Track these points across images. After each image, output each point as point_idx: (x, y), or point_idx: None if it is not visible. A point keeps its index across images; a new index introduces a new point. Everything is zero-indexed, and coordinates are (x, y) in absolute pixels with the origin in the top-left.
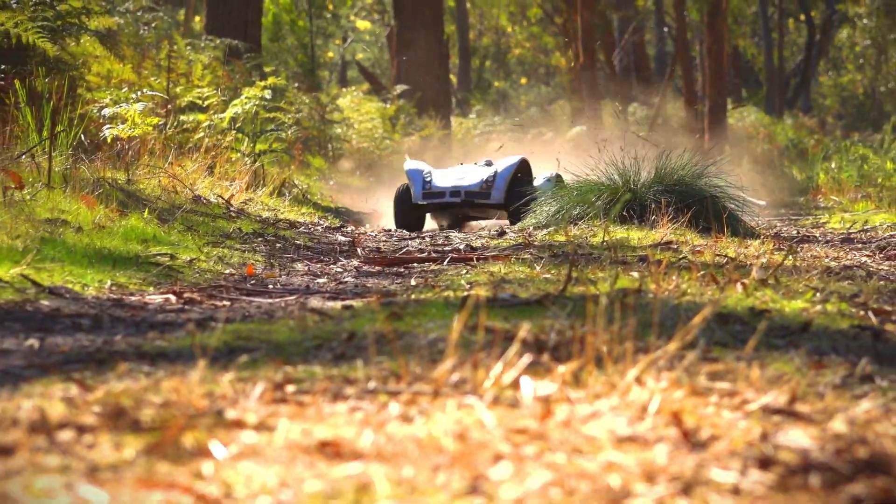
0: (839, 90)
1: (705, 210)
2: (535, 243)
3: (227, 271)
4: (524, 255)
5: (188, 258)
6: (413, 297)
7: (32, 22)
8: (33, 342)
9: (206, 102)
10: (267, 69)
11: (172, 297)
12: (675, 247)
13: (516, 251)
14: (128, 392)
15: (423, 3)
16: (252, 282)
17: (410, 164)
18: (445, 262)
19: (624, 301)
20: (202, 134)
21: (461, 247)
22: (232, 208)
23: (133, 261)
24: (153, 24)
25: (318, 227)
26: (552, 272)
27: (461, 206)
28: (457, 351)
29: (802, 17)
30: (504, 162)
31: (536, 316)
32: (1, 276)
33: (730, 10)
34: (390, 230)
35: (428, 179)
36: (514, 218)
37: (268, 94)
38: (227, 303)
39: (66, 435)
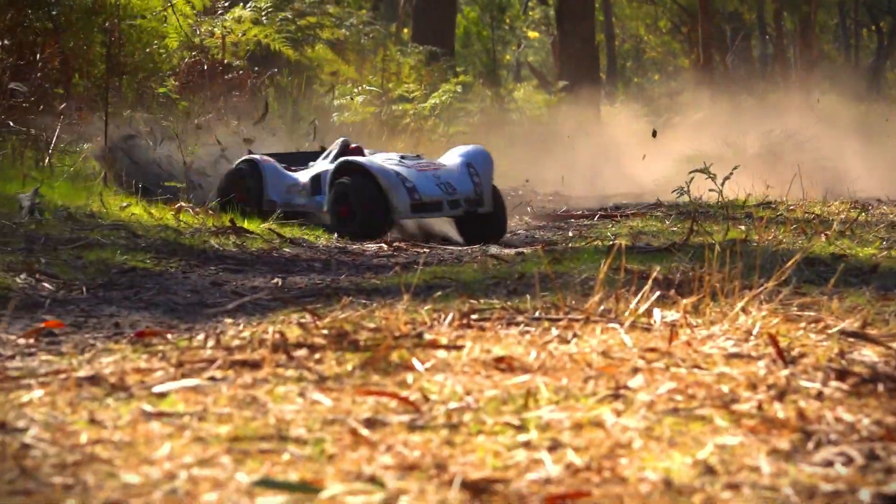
0: None
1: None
2: (665, 203)
3: None
4: (657, 213)
5: None
6: (570, 245)
7: (278, 34)
8: (277, 280)
9: (412, 95)
10: (458, 69)
11: (385, 246)
12: (774, 206)
13: (651, 209)
14: (348, 319)
15: (579, 18)
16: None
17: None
18: (595, 218)
19: (733, 248)
20: (408, 119)
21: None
22: None
23: None
24: (371, 35)
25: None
26: (678, 226)
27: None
28: (603, 287)
29: (874, 27)
30: (468, 154)
31: (665, 260)
32: (253, 229)
33: (817, 22)
34: (556, 191)
35: (410, 186)
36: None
37: (459, 88)
38: (426, 249)
39: (300, 352)
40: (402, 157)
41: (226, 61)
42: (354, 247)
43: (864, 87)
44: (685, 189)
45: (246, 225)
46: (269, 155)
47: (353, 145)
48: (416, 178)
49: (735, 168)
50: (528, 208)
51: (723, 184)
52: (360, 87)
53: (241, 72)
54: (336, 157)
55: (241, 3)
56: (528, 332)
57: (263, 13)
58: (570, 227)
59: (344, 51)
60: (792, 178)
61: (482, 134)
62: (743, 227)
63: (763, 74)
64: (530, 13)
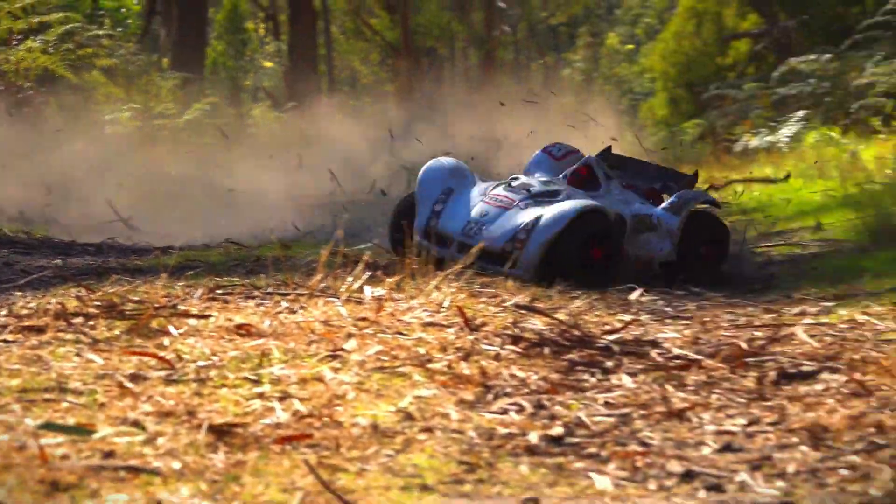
0: None
1: None
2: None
3: None
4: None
5: None
6: (300, 236)
7: (62, 61)
8: (58, 261)
9: (169, 112)
10: (208, 92)
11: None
12: None
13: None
14: (117, 293)
15: (305, 51)
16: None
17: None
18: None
19: None
20: (166, 132)
21: None
22: None
23: None
24: (137, 63)
25: None
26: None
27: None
28: (324, 269)
29: (542, 61)
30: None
31: (381, 246)
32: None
33: (497, 57)
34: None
35: (439, 209)
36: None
37: (208, 107)
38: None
39: (77, 320)
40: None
41: (19, 83)
42: (120, 240)
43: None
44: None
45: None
46: None
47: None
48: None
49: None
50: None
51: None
52: (127, 105)
53: (30, 92)
54: None
55: (32, 36)
56: (262, 304)
57: (50, 44)
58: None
59: (115, 76)
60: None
61: (224, 144)
62: None
63: (456, 98)
64: (266, 47)
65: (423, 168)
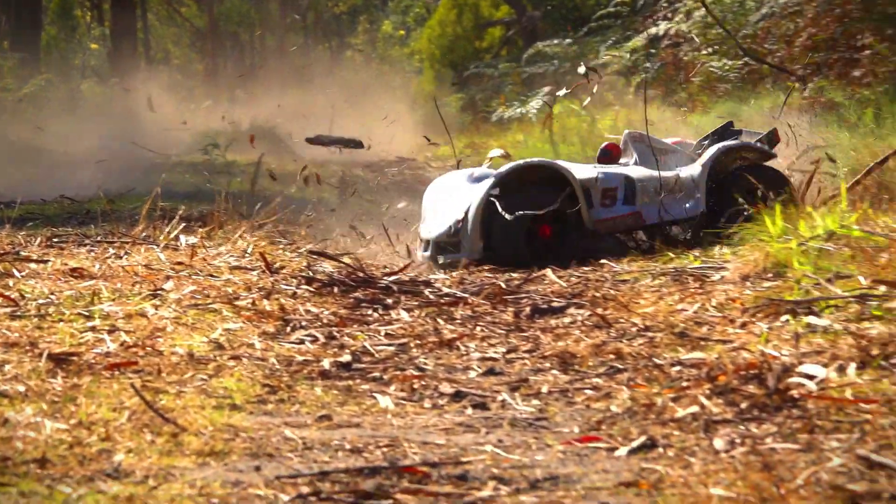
0: None
1: None
2: (186, 161)
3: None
4: (182, 167)
5: None
6: (124, 193)
7: None
8: None
9: (9, 87)
10: (42, 70)
11: None
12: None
13: (178, 164)
14: None
15: (125, 35)
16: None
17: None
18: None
19: (236, 195)
20: (6, 104)
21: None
22: None
23: None
24: None
25: None
26: (196, 178)
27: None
28: (145, 220)
29: (328, 45)
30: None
31: (193, 201)
32: None
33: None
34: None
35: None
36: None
37: (43, 83)
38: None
39: None
40: None
41: None
42: None
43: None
44: (212, 149)
45: None
46: None
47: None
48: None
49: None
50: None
51: (226, 149)
52: None
53: None
54: None
55: None
56: (93, 250)
57: None
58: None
59: None
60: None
61: (58, 114)
62: (240, 180)
63: (253, 76)
64: (92, 31)
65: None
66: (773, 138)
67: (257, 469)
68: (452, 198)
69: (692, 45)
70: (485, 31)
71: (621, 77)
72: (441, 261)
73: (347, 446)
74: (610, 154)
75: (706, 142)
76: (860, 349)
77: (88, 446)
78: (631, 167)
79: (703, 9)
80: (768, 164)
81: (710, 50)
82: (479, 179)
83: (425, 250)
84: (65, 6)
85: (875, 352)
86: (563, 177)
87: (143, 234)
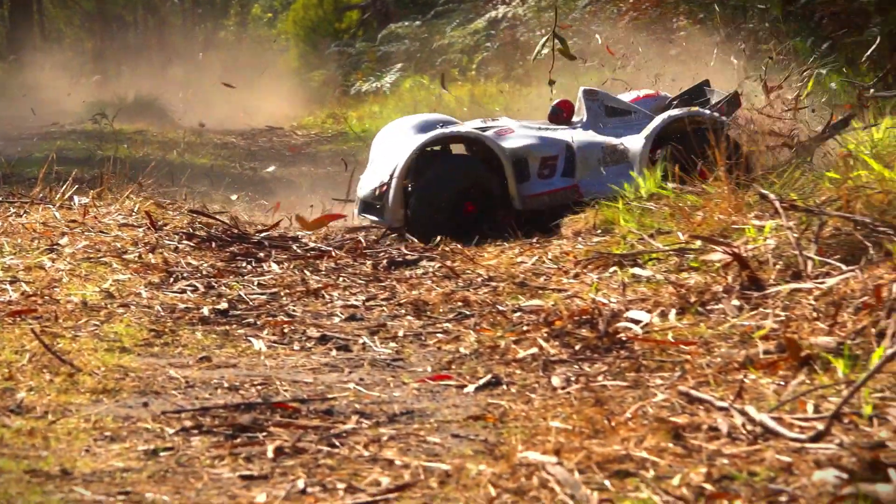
0: None
1: None
2: (78, 129)
3: None
4: (74, 136)
5: None
6: (23, 158)
7: None
8: None
9: None
10: None
11: None
12: (144, 133)
13: (68, 134)
14: None
15: (22, 19)
16: None
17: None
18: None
19: (120, 159)
20: None
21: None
22: None
23: None
24: None
25: None
26: (88, 144)
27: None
28: (42, 182)
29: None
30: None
31: (85, 166)
32: None
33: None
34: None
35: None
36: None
37: None
38: None
39: None
40: None
41: None
42: None
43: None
44: (100, 118)
45: None
46: None
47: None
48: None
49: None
50: None
51: (113, 119)
52: None
53: None
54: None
55: None
56: None
57: None
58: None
59: None
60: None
61: None
62: (126, 146)
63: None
64: None
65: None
66: (734, 101)
67: (145, 405)
68: (388, 153)
69: (528, 27)
70: (343, 13)
71: (464, 55)
72: (366, 221)
73: (225, 384)
74: (561, 113)
75: (675, 102)
76: (679, 297)
77: None
78: (577, 131)
79: None
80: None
81: (543, 31)
82: (423, 130)
83: (360, 209)
84: None
85: (693, 299)
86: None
87: (41, 195)
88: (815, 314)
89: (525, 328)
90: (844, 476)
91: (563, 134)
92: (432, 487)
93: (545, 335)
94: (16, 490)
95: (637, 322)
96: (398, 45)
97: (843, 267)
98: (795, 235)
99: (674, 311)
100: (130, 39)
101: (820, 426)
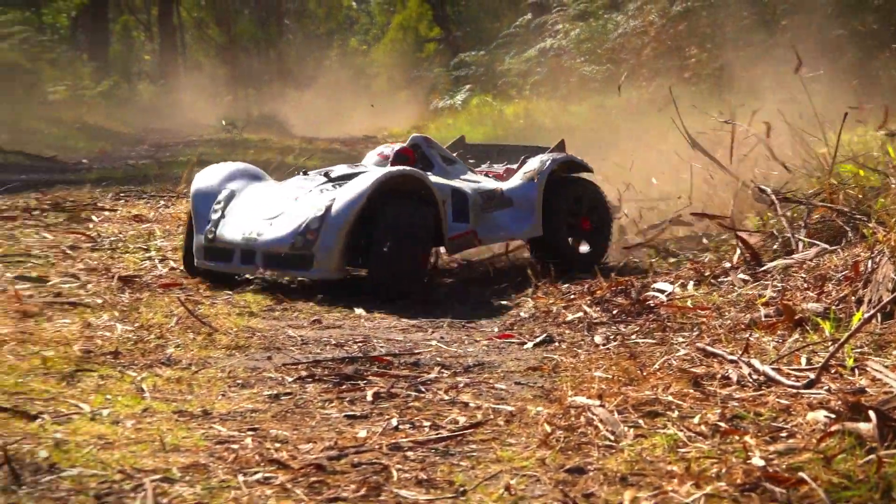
0: None
1: None
2: None
3: None
4: None
5: None
6: (170, 161)
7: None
8: (23, 176)
9: (87, 86)
10: (112, 74)
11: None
12: None
13: None
14: (60, 196)
15: (169, 52)
16: None
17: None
18: None
19: (252, 160)
20: None
21: None
22: None
23: None
24: (68, 55)
25: None
26: None
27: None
28: (186, 180)
29: None
30: (354, 185)
31: None
32: None
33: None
34: None
35: (216, 217)
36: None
37: (112, 82)
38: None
39: (36, 212)
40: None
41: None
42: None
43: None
44: (232, 128)
45: None
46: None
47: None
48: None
49: None
50: None
51: (242, 130)
52: (62, 82)
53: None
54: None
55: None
56: (149, 202)
57: (15, 45)
58: None
59: (54, 64)
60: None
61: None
62: (252, 151)
63: (262, 79)
64: (145, 46)
65: (195, 177)
66: (561, 148)
67: (269, 358)
68: (280, 198)
69: (571, 56)
70: (423, 45)
71: (519, 79)
72: (271, 277)
73: (333, 342)
74: (406, 159)
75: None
76: (696, 272)
77: (148, 343)
78: (459, 179)
79: (578, 29)
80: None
81: (582, 59)
82: (339, 180)
83: (225, 259)
84: (126, 28)
85: (707, 273)
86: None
87: (184, 190)
88: (805, 285)
89: (572, 297)
90: (832, 416)
91: (446, 178)
92: (499, 425)
93: (588, 302)
94: (166, 426)
95: (662, 291)
96: (467, 70)
97: (828, 247)
98: (788, 222)
99: (692, 283)
100: (255, 67)
101: (811, 376)
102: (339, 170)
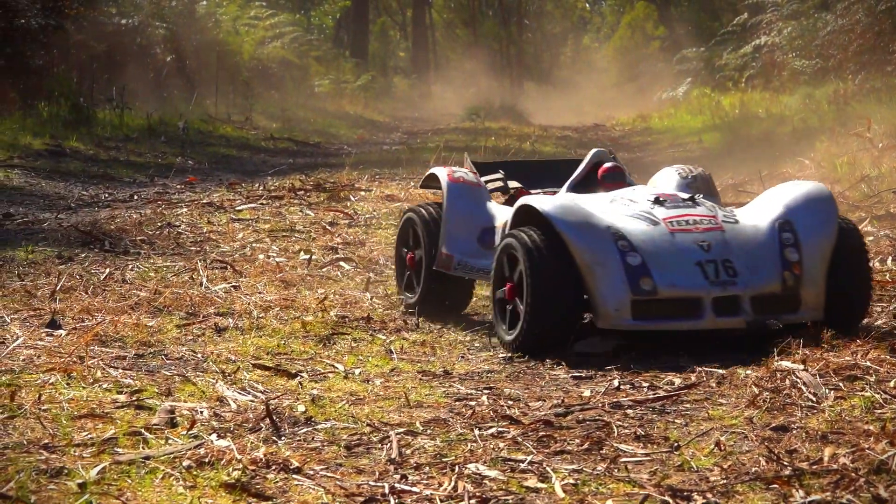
0: None
1: None
2: None
3: None
4: None
5: None
6: (420, 145)
7: (292, 52)
8: (290, 160)
9: (348, 80)
10: (369, 69)
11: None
12: None
13: None
14: (322, 177)
15: (421, 50)
16: None
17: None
18: None
19: (492, 146)
20: None
21: None
22: None
23: None
24: (332, 53)
25: None
26: None
27: None
28: (434, 163)
29: None
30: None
31: (465, 152)
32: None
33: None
34: None
35: (635, 261)
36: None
37: (370, 77)
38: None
39: (300, 192)
40: (658, 198)
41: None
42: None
43: None
44: (476, 117)
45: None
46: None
47: (610, 164)
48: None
49: None
50: None
51: (484, 119)
52: (326, 77)
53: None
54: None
55: (273, 41)
56: (400, 183)
57: (285, 45)
58: None
59: (320, 60)
60: None
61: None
62: (493, 138)
63: (503, 73)
64: (400, 44)
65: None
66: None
67: None
68: (704, 228)
69: (783, 51)
70: (649, 42)
71: (736, 72)
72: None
73: None
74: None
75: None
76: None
77: (396, 311)
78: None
79: (790, 27)
80: None
81: (793, 54)
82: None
83: (688, 314)
84: (383, 28)
85: None
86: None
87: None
88: None
89: None
90: None
91: None
92: (711, 386)
93: None
94: (411, 385)
95: None
96: (688, 65)
97: None
98: None
99: (890, 258)
100: (497, 62)
101: None
102: (676, 194)
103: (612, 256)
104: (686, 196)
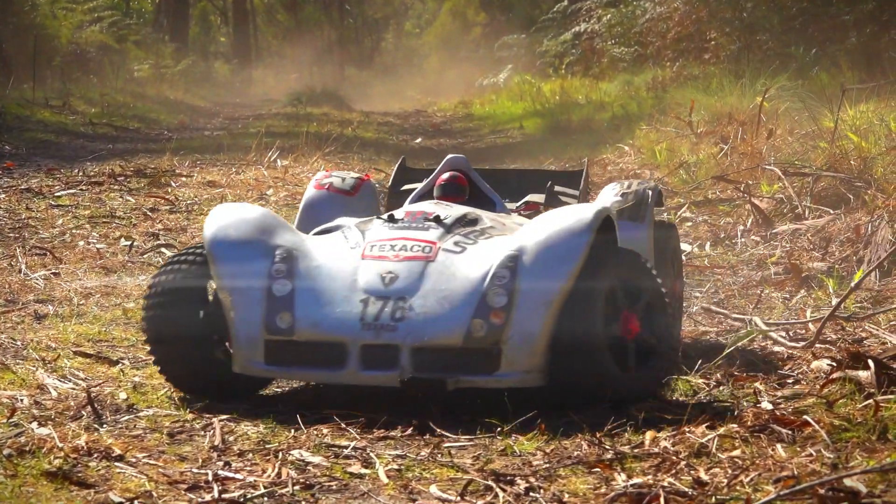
0: None
1: None
2: None
3: None
4: None
5: None
6: (241, 132)
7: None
8: (111, 146)
9: (168, 65)
10: (189, 54)
11: None
12: None
13: None
14: (142, 163)
15: (241, 35)
16: None
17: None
18: None
19: (315, 132)
20: None
21: None
22: None
23: None
24: (151, 37)
25: None
26: None
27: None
28: (255, 150)
29: None
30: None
31: (285, 138)
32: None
33: None
34: None
35: (284, 292)
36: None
37: (190, 62)
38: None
39: (121, 178)
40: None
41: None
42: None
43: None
44: (297, 103)
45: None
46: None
47: (447, 175)
48: (324, 271)
49: None
50: None
51: (306, 104)
52: (146, 62)
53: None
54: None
55: (92, 24)
56: (222, 169)
57: (104, 28)
58: None
59: (139, 45)
60: None
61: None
62: (315, 124)
63: (324, 58)
64: (221, 29)
65: (213, 221)
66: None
67: None
68: (408, 257)
69: (602, 38)
70: (471, 29)
71: (556, 59)
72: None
73: None
74: (461, 190)
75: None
76: (713, 234)
77: None
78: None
79: (609, 15)
80: None
81: (612, 41)
82: (456, 225)
83: (324, 364)
84: (204, 13)
85: (722, 235)
86: None
87: (254, 158)
88: (811, 246)
89: None
90: (834, 364)
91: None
92: None
93: None
94: None
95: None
96: (509, 52)
97: (832, 212)
98: (796, 189)
99: (708, 244)
100: (319, 47)
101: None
102: (435, 211)
103: (258, 281)
104: (436, 214)
